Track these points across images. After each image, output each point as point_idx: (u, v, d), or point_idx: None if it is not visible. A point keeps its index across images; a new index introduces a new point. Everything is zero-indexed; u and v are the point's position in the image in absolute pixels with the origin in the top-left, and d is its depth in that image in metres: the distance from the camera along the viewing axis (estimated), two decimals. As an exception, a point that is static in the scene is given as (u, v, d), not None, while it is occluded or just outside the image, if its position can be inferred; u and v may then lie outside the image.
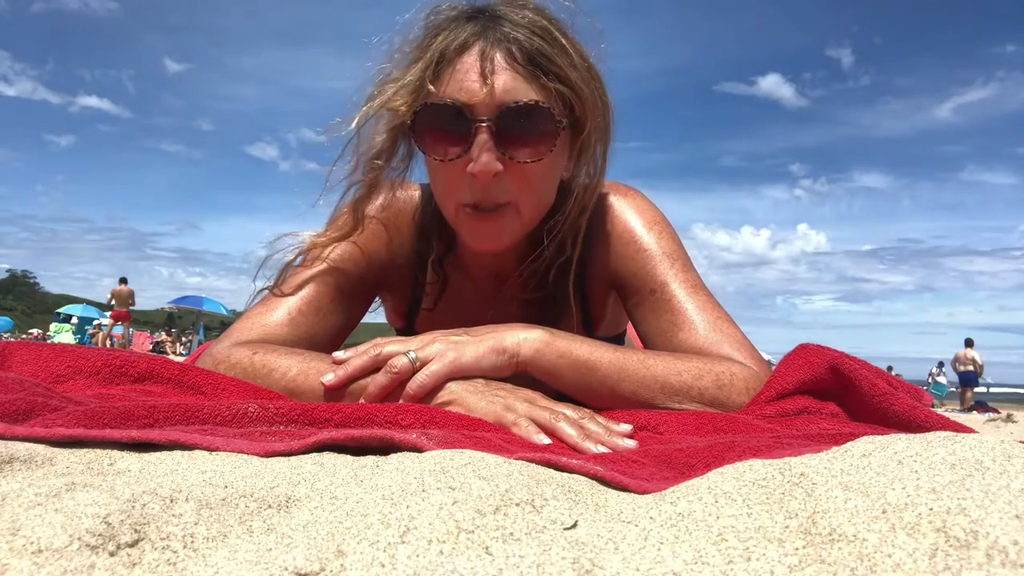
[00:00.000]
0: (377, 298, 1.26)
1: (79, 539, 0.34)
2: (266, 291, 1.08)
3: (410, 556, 0.34)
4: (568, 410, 0.77)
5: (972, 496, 0.36)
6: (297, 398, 0.87)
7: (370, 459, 0.55)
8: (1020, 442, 0.45)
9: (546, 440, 0.71)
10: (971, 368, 14.40)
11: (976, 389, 14.97)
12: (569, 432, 0.72)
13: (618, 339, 1.35)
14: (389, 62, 1.03)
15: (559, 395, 0.89)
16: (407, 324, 1.26)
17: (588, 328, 1.22)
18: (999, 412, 8.55)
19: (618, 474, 0.53)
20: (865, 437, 0.49)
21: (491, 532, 0.36)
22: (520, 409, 0.77)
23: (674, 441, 0.70)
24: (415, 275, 1.21)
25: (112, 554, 0.34)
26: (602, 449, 0.69)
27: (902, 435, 0.49)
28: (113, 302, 15.26)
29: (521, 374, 0.89)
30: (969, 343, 14.86)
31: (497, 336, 0.88)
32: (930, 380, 17.76)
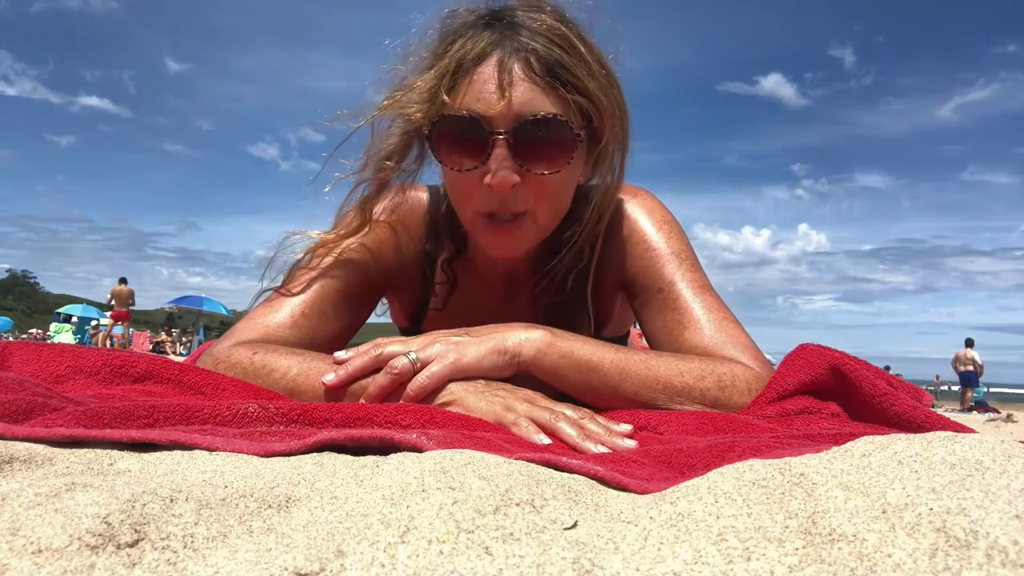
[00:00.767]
0: (384, 299, 1.25)
1: (79, 539, 0.34)
2: (269, 292, 1.08)
3: (410, 556, 0.34)
4: (568, 410, 0.77)
5: (972, 496, 0.36)
6: (297, 398, 0.87)
7: (370, 459, 0.55)
8: (1020, 442, 0.45)
9: (546, 440, 0.71)
10: (971, 368, 14.40)
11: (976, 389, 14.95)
12: (569, 432, 0.72)
13: (621, 340, 1.35)
14: (404, 65, 1.03)
15: (560, 395, 0.89)
16: (413, 325, 1.26)
17: (596, 329, 1.22)
18: (999, 412, 8.55)
19: (618, 474, 0.53)
20: (865, 437, 0.49)
21: (491, 532, 0.36)
22: (520, 409, 0.77)
23: (674, 441, 0.70)
24: (424, 275, 1.20)
25: (112, 554, 0.34)
26: (602, 449, 0.69)
27: (902, 435, 0.49)
28: (113, 302, 15.26)
29: (522, 374, 0.89)
30: (969, 343, 14.86)
31: (498, 337, 0.88)
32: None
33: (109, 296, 15.44)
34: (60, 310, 24.82)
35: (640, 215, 1.13)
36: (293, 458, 0.56)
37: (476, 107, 0.93)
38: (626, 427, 0.76)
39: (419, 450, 0.57)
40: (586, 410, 0.79)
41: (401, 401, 0.83)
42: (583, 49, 0.96)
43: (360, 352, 0.87)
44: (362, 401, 0.84)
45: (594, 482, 0.52)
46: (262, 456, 0.56)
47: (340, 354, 0.90)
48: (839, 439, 0.63)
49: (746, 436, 0.70)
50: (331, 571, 0.33)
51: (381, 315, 1.27)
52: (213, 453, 0.56)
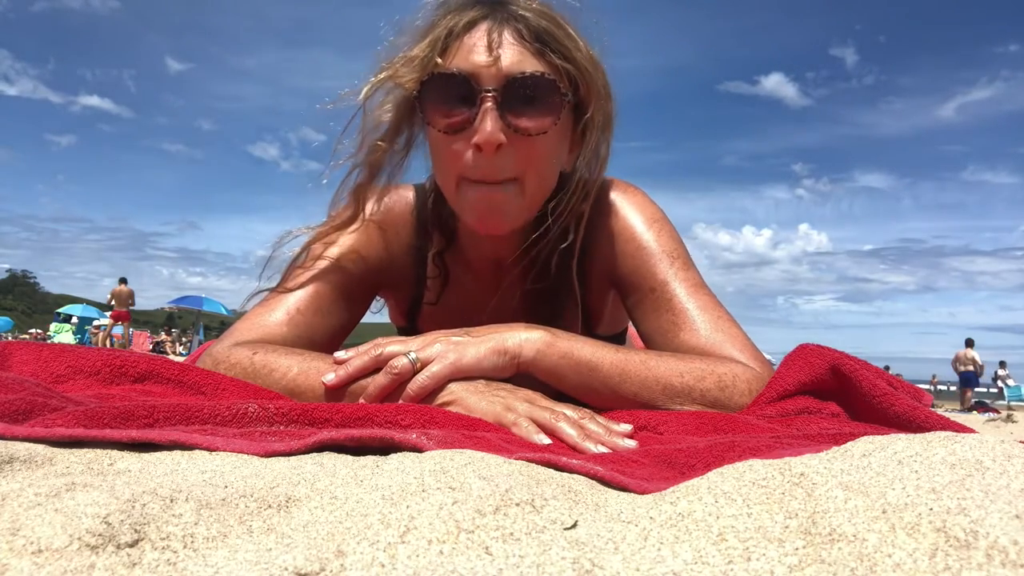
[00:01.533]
0: (379, 298, 1.26)
1: (79, 539, 0.34)
2: (263, 292, 1.08)
3: (410, 556, 0.34)
4: (568, 410, 0.77)
5: (972, 496, 0.36)
6: (297, 398, 0.87)
7: (370, 459, 0.55)
8: (1020, 442, 0.45)
9: (546, 440, 0.71)
10: (971, 368, 14.41)
11: (976, 389, 14.94)
12: (569, 432, 0.72)
13: (619, 337, 1.35)
14: (396, 40, 1.04)
15: (560, 395, 0.89)
16: (409, 322, 1.26)
17: (588, 326, 1.22)
18: (999, 412, 8.55)
19: (618, 474, 0.53)
20: (865, 437, 0.49)
21: (491, 532, 0.36)
22: (520, 409, 0.77)
23: (674, 441, 0.70)
24: (415, 272, 1.21)
25: (112, 554, 0.34)
26: (602, 449, 0.69)
27: (902, 435, 0.49)
28: (113, 302, 15.27)
29: (522, 375, 0.89)
30: (969, 343, 14.87)
31: (499, 337, 0.88)
32: (1000, 384, 17.07)
33: (109, 296, 15.44)
34: (60, 310, 24.82)
35: (630, 211, 1.12)
36: (293, 458, 0.56)
37: (465, 66, 0.95)
38: (626, 427, 0.76)
39: (419, 450, 0.57)
40: (586, 410, 0.79)
41: (401, 401, 0.83)
42: (570, 29, 0.99)
43: (360, 352, 0.87)
44: (362, 401, 0.84)
45: (594, 482, 0.52)
46: (262, 456, 0.56)
47: (340, 354, 0.90)
48: (839, 439, 0.63)
49: (746, 436, 0.70)
50: (331, 571, 0.33)
51: (376, 312, 1.27)
52: (213, 453, 0.56)
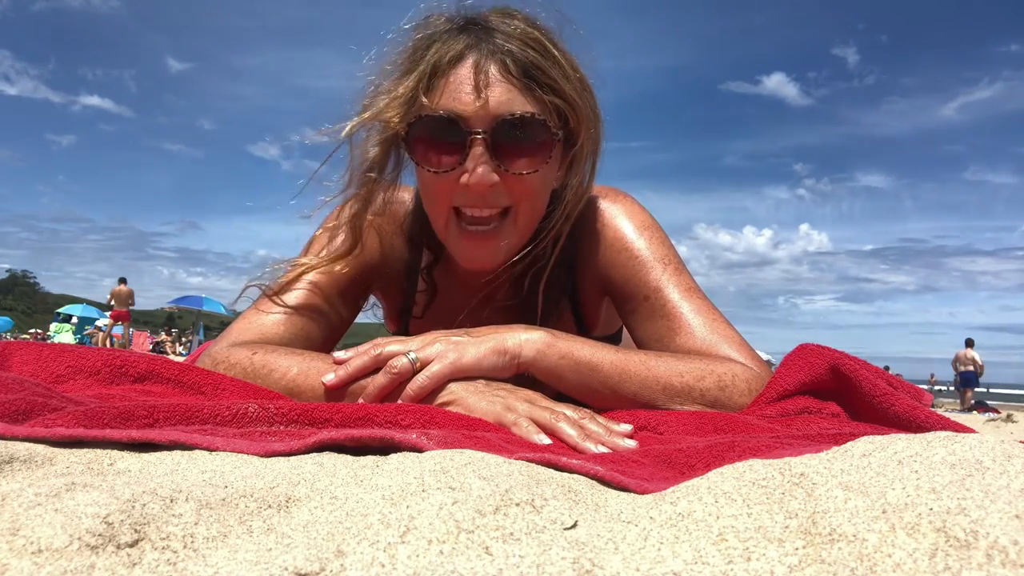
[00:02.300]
0: (372, 298, 1.26)
1: (79, 539, 0.34)
2: (252, 288, 1.08)
3: (410, 556, 0.34)
4: (568, 410, 0.77)
5: (972, 496, 0.36)
6: (297, 398, 0.87)
7: (370, 459, 0.55)
8: (1020, 442, 0.45)
9: (546, 440, 0.71)
10: (971, 368, 14.40)
11: (976, 389, 14.93)
12: (569, 432, 0.72)
13: (614, 337, 1.34)
14: (380, 75, 1.03)
15: (559, 395, 0.89)
16: (400, 328, 1.26)
17: (583, 332, 1.21)
18: (999, 412, 8.55)
19: (618, 474, 0.53)
20: (865, 437, 0.49)
21: (491, 532, 0.36)
22: (520, 409, 0.77)
23: (674, 441, 0.70)
24: (405, 283, 1.20)
25: (112, 554, 0.34)
26: (602, 449, 0.69)
27: (902, 435, 0.49)
28: (113, 302, 15.27)
29: (522, 375, 0.89)
30: (969, 343, 14.86)
31: (499, 337, 0.88)
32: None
33: (109, 296, 15.44)
34: (60, 310, 24.81)
35: (621, 219, 1.11)
36: (293, 458, 0.56)
37: (453, 107, 0.93)
38: (626, 427, 0.76)
39: (419, 450, 0.57)
40: (586, 410, 0.79)
41: (401, 401, 0.83)
42: (556, 53, 0.97)
43: (360, 352, 0.87)
44: (361, 401, 0.84)
45: (594, 482, 0.52)
46: (262, 456, 0.56)
47: (340, 354, 0.90)
48: (839, 439, 0.63)
49: (746, 436, 0.70)
50: (331, 571, 0.33)
51: (368, 309, 1.27)
52: (213, 453, 0.56)
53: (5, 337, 18.51)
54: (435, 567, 0.33)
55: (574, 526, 0.39)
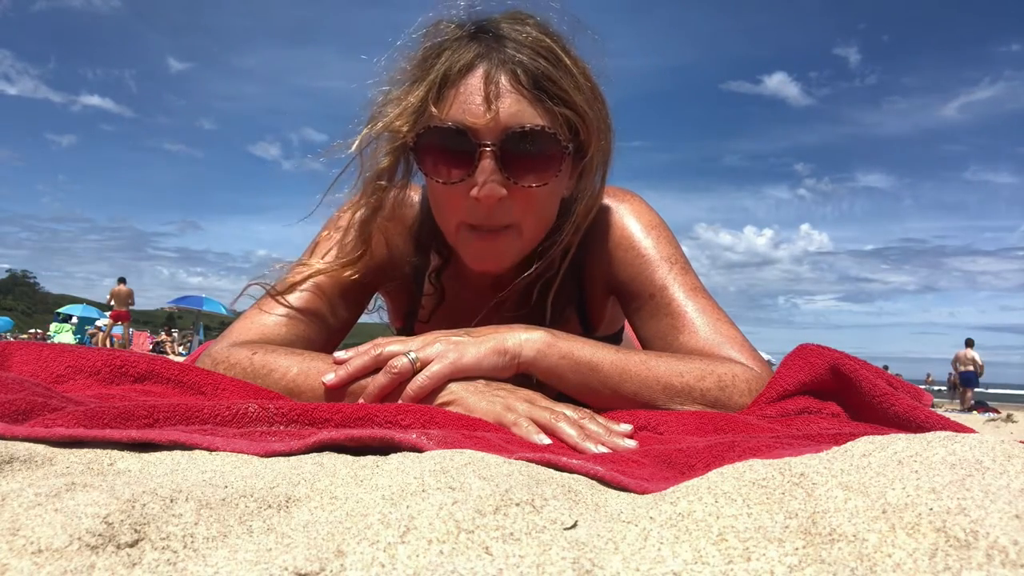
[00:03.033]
0: (377, 296, 1.25)
1: (79, 539, 0.34)
2: (253, 287, 1.08)
3: (410, 556, 0.34)
4: (568, 410, 0.77)
5: (972, 496, 0.36)
6: (297, 398, 0.87)
7: (370, 459, 0.55)
8: (1020, 442, 0.45)
9: (546, 440, 0.71)
10: (971, 368, 14.41)
11: (975, 389, 14.94)
12: (569, 432, 0.72)
13: (615, 337, 1.35)
14: (390, 83, 1.02)
15: (559, 395, 0.89)
16: (404, 329, 1.26)
17: (587, 331, 1.22)
18: (999, 412, 8.55)
19: (618, 474, 0.53)
20: (865, 437, 0.49)
21: (491, 532, 0.36)
22: (520, 409, 0.77)
23: (674, 441, 0.70)
24: (412, 285, 1.20)
25: (112, 554, 0.34)
26: (602, 449, 0.69)
27: (902, 435, 0.49)
28: (112, 302, 15.27)
29: (522, 375, 0.89)
30: (969, 343, 14.87)
31: (499, 337, 0.88)
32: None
33: (109, 296, 15.45)
34: (60, 310, 24.80)
35: (629, 219, 1.11)
36: (293, 458, 0.56)
37: (463, 119, 0.92)
38: (626, 427, 0.76)
39: (419, 450, 0.57)
40: (586, 410, 0.79)
41: (401, 401, 0.83)
42: (568, 62, 0.96)
43: (360, 352, 0.87)
44: (361, 401, 0.84)
45: (594, 482, 0.52)
46: (262, 456, 0.56)
47: (340, 354, 0.90)
48: (839, 439, 0.63)
49: (746, 436, 0.70)
50: (331, 571, 0.33)
51: (373, 311, 1.27)
52: (213, 453, 0.56)
53: (5, 337, 18.52)
54: (435, 567, 0.33)
55: (574, 526, 0.39)
